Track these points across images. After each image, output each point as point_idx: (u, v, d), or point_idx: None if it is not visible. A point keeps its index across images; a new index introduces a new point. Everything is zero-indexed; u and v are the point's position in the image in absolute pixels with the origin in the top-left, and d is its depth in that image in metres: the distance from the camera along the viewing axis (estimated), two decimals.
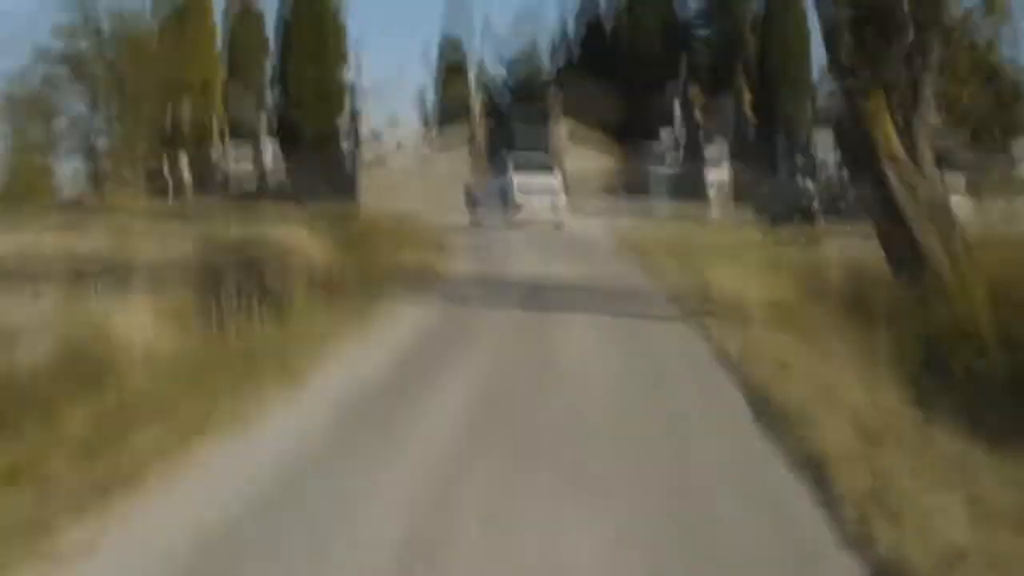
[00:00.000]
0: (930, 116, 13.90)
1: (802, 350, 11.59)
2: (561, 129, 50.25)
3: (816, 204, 31.99)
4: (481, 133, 50.15)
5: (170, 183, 58.97)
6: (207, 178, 58.94)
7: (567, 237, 29.66)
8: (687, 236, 28.13)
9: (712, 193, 45.48)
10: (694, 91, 46.87)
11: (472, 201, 40.87)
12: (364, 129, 49.80)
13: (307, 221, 30.27)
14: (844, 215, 31.95)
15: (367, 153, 48.50)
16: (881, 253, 15.03)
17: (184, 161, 59.45)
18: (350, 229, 29.67)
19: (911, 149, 13.79)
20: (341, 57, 52.58)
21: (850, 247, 20.36)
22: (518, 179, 38.44)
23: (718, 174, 45.69)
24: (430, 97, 68.87)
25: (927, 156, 13.87)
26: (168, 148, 59.82)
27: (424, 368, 11.22)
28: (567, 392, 10.25)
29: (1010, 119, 50.78)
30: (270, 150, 54.87)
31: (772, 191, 34.44)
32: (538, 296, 16.99)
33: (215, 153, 59.14)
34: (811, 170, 35.72)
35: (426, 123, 66.89)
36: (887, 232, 14.04)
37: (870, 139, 13.92)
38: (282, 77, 52.90)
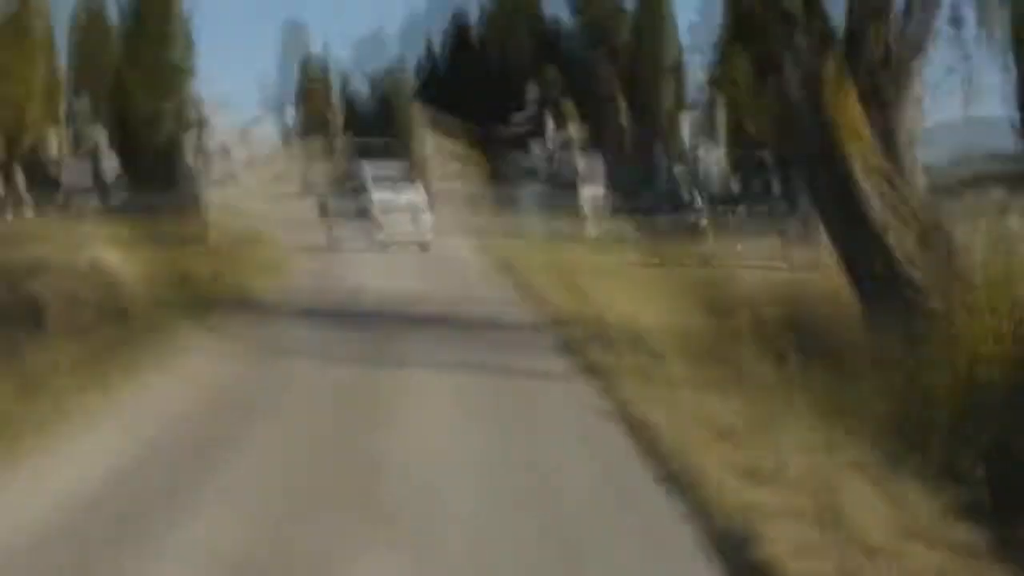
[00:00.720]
0: (917, 93, 9.99)
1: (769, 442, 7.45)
2: (426, 142, 46.07)
3: (704, 220, 28.39)
4: (341, 146, 45.62)
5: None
6: (45, 195, 53.59)
7: (432, 258, 25.63)
8: (566, 256, 24.30)
9: (587, 209, 41.69)
10: (567, 103, 42.99)
11: (327, 218, 36.44)
12: (212, 143, 44.95)
13: (129, 242, 26.28)
14: (736, 229, 28.38)
15: (215, 168, 43.70)
16: (818, 276, 11.22)
17: (19, 176, 54.18)
18: (176, 252, 25.71)
19: (886, 141, 9.90)
20: (188, 70, 47.67)
21: (764, 268, 16.67)
22: (378, 194, 34.20)
23: (593, 188, 41.90)
24: (291, 111, 64.70)
25: (909, 152, 10.00)
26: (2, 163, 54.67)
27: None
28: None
29: None
30: (112, 166, 49.74)
31: (654, 205, 30.74)
32: (390, 342, 12.76)
33: (55, 168, 53.81)
34: (696, 181, 32.08)
35: (287, 138, 62.34)
36: (852, 252, 10.12)
37: (829, 127, 9.99)
38: (123, 89, 47.75)
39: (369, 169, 35.54)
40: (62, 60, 55.92)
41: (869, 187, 9.77)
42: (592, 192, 42.17)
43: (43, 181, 54.26)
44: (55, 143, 54.27)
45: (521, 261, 23.35)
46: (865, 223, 9.76)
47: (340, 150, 45.48)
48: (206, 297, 15.54)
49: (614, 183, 41.04)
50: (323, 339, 12.91)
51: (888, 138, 9.90)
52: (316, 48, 61.07)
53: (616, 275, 19.36)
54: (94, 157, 51.09)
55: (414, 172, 37.16)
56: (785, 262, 18.96)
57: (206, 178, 42.43)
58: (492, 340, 12.95)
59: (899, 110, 9.93)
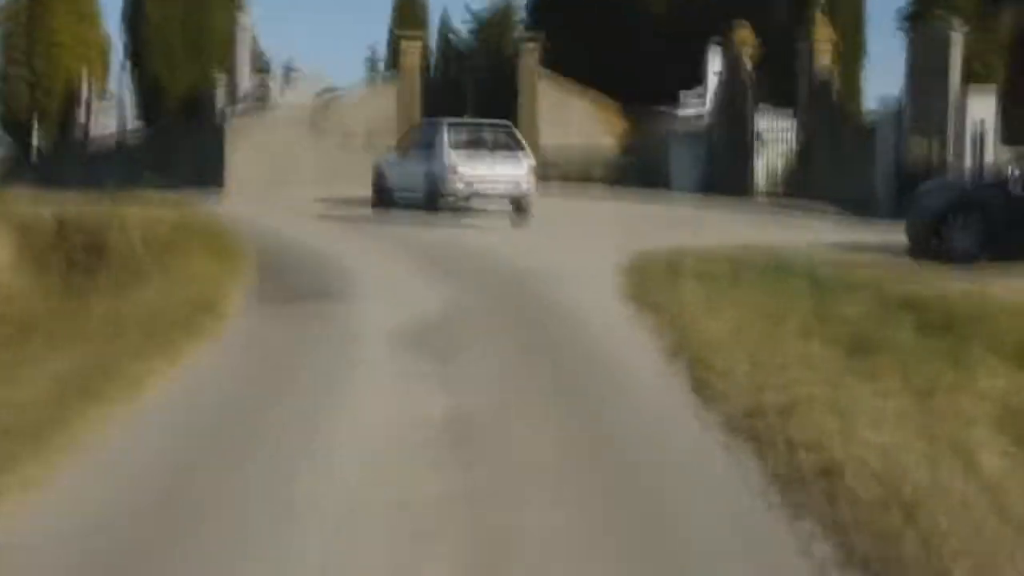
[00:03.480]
0: None
1: None
2: (536, 90, 32.26)
3: None
4: (416, 92, 31.80)
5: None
6: (69, 145, 41.65)
7: (527, 279, 11.95)
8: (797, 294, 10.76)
9: (761, 184, 27.73)
10: (741, 34, 28.67)
11: (382, 190, 23.03)
12: (245, 84, 31.68)
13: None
14: None
15: (247, 116, 30.44)
16: None
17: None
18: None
19: None
20: None
21: None
22: (457, 161, 20.72)
23: (772, 155, 27.86)
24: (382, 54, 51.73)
25: None
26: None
27: None
28: None
29: None
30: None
31: (949, 193, 16.35)
32: None
33: (81, 116, 41.56)
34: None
35: (374, 84, 48.73)
36: None
37: None
38: (139, 15, 34.79)
39: (447, 123, 21.89)
40: None
41: None
42: (770, 160, 28.17)
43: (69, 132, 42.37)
44: (84, 87, 41.98)
45: (703, 309, 9.84)
46: None
47: (416, 97, 31.67)
48: None
49: (808, 153, 26.96)
50: None
51: None
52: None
53: None
54: (119, 102, 38.61)
55: (515, 131, 23.19)
56: None
57: (230, 128, 29.25)
58: None
59: None
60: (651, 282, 11.69)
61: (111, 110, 39.65)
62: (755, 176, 27.54)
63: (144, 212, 17.59)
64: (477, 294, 11.39)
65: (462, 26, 46.77)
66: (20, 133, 44.42)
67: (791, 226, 19.90)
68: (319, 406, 6.65)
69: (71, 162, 39.00)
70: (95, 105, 41.08)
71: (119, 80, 37.88)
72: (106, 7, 42.56)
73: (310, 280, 12.10)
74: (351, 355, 8.20)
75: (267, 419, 6.36)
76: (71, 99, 42.10)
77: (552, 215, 20.41)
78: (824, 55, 27.47)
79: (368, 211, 22.19)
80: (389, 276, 12.51)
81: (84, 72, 41.56)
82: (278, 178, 27.64)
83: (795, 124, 27.56)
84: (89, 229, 16.74)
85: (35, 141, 43.90)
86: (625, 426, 6.53)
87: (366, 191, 23.57)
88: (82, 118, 41.33)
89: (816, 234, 18.08)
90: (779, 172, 27.68)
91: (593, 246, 15.70)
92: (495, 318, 10.14)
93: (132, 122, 37.51)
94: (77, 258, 15.03)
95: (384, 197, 22.60)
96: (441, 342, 8.67)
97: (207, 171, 29.45)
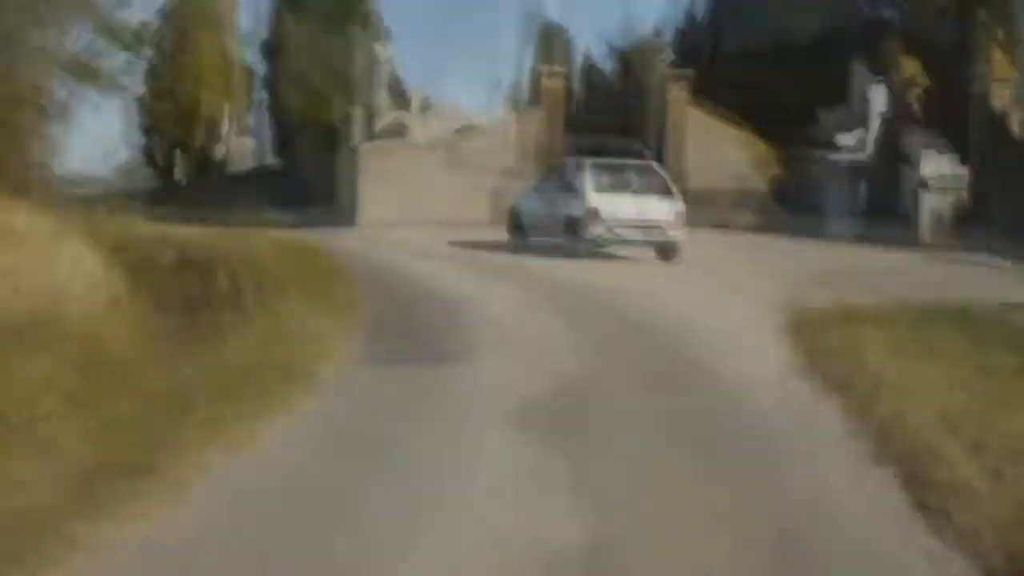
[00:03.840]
0: None
1: None
2: (684, 127, 30.48)
3: None
4: (557, 128, 30.34)
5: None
6: (208, 178, 41.28)
7: (679, 342, 10.22)
8: None
9: (928, 233, 25.40)
10: (908, 71, 26.37)
11: (518, 231, 21.55)
12: (381, 118, 30.64)
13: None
14: None
15: (383, 151, 29.31)
16: None
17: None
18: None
19: None
20: (365, 20, 33.06)
21: None
22: (599, 203, 19.13)
23: (940, 201, 25.52)
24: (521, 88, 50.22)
25: None
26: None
27: None
28: None
29: None
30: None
31: None
32: None
33: (219, 149, 41.17)
34: None
35: (513, 119, 47.31)
36: None
37: None
38: (277, 48, 34.10)
39: (590, 167, 20.13)
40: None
41: None
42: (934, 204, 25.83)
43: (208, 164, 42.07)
44: (223, 120, 41.64)
45: None
46: None
47: (558, 131, 30.21)
48: None
49: (982, 199, 24.58)
50: None
51: None
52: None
53: None
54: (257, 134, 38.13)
55: (665, 177, 21.29)
56: None
57: (360, 160, 28.21)
58: None
59: None
60: (827, 350, 9.88)
61: (249, 143, 39.23)
62: (921, 224, 25.29)
63: (264, 249, 16.44)
64: (618, 363, 9.73)
65: (605, 60, 45.16)
66: (162, 166, 44.35)
67: (972, 280, 17.75)
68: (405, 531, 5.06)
69: (210, 196, 38.67)
70: (234, 139, 40.74)
71: (257, 114, 37.28)
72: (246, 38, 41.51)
73: (427, 340, 10.58)
74: (460, 444, 6.63)
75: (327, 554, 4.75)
76: (212, 132, 41.82)
77: (704, 262, 18.63)
78: (1001, 96, 25.15)
79: (503, 254, 20.71)
80: (517, 337, 10.91)
81: (225, 106, 41.26)
82: (411, 216, 26.49)
83: (966, 167, 25.27)
84: (201, 267, 15.67)
85: (176, 175, 43.74)
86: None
87: (502, 231, 22.14)
88: (221, 152, 41.02)
89: (1005, 291, 15.94)
90: (949, 219, 25.37)
91: (753, 300, 13.90)
92: (637, 397, 8.45)
93: (269, 156, 36.92)
94: (181, 298, 13.89)
95: (519, 239, 21.09)
96: (577, 432, 7.03)
97: (340, 206, 28.53)
